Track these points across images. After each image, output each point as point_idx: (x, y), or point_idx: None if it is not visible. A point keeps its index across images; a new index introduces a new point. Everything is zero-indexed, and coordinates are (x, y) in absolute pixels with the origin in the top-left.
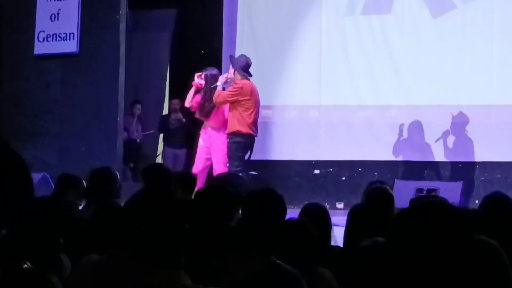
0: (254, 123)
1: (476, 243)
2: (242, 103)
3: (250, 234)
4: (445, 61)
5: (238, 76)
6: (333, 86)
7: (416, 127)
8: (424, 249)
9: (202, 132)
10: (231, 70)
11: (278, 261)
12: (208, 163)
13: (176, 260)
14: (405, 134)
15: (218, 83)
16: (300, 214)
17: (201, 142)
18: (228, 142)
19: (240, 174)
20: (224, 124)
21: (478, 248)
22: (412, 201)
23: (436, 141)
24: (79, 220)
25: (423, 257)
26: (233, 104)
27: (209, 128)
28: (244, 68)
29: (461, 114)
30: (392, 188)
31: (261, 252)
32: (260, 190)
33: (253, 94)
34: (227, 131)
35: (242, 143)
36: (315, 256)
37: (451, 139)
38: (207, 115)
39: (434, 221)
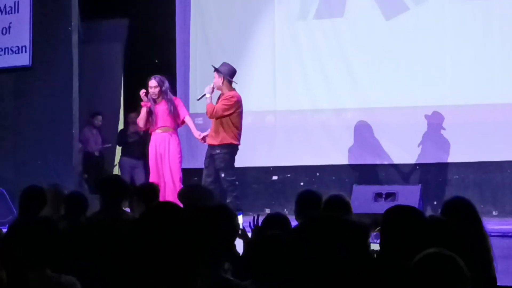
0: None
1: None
2: (235, 114)
3: (200, 250)
4: (399, 63)
5: (227, 85)
6: (288, 91)
7: (372, 129)
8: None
9: (154, 139)
10: (219, 80)
11: (227, 276)
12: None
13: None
14: (361, 137)
15: (208, 95)
16: (263, 225)
17: (152, 150)
18: (219, 153)
19: (237, 183)
20: (176, 127)
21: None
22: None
23: (398, 144)
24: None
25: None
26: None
27: (164, 133)
28: (232, 76)
29: (416, 115)
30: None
31: (210, 266)
32: (213, 207)
33: (241, 104)
34: (217, 143)
35: (234, 153)
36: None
37: (407, 141)
38: (174, 117)
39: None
